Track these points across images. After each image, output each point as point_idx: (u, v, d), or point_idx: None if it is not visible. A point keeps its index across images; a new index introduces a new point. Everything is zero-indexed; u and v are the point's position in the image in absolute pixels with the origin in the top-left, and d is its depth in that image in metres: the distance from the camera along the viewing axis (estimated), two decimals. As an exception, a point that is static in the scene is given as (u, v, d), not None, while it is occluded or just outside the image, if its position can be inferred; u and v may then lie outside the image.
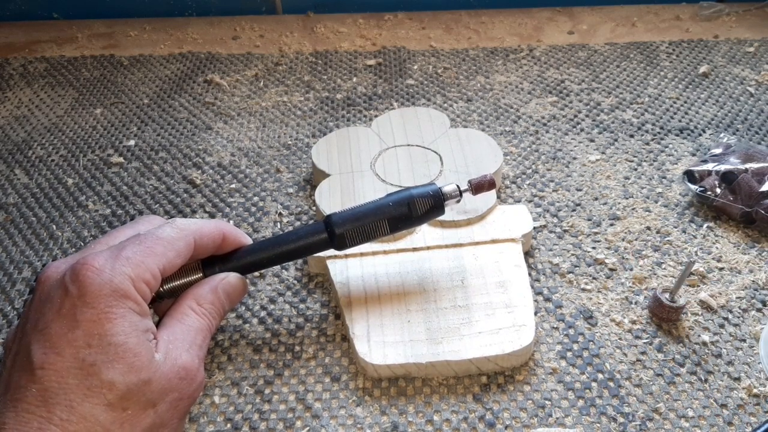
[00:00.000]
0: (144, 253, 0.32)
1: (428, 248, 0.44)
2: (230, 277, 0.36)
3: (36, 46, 0.73)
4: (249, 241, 0.38)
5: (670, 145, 0.56)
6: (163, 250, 0.32)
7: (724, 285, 0.44)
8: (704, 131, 0.58)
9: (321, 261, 0.44)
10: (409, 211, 0.38)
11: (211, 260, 0.37)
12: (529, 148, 0.56)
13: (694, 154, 0.55)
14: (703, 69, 0.65)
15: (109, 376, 0.28)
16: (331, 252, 0.44)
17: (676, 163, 0.54)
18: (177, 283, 0.35)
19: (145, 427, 0.29)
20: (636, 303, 0.43)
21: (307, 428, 0.36)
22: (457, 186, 0.39)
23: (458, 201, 0.39)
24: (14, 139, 0.60)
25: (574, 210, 0.50)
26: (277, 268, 0.46)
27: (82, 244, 0.49)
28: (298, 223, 0.50)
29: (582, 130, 0.58)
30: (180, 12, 0.78)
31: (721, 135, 0.56)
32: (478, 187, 0.40)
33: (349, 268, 0.43)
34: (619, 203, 0.50)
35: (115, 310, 0.29)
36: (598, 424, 0.36)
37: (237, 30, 0.75)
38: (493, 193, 0.47)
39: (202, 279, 0.36)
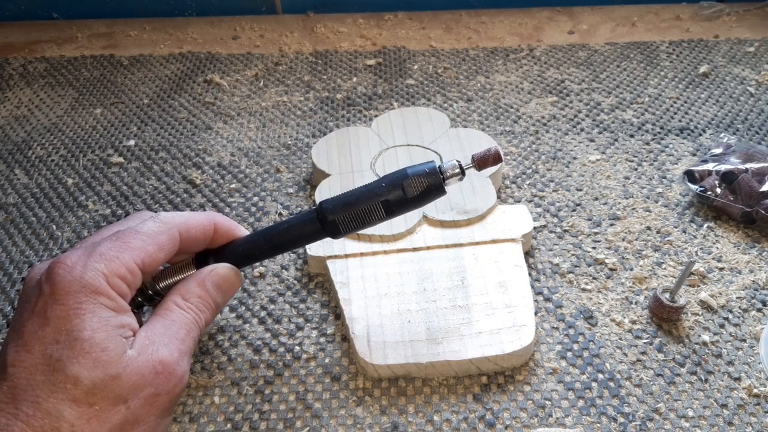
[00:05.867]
0: (119, 249, 0.31)
1: (428, 248, 0.44)
2: (218, 269, 0.35)
3: (36, 46, 0.73)
4: (244, 232, 0.37)
5: (671, 145, 0.56)
6: (142, 244, 0.32)
7: (724, 285, 0.44)
8: (704, 131, 0.58)
9: (321, 261, 0.44)
10: (404, 192, 0.34)
11: (204, 254, 0.36)
12: (529, 148, 0.56)
13: (694, 154, 0.55)
14: (703, 69, 0.65)
15: (74, 371, 0.28)
16: (331, 252, 0.44)
17: (677, 163, 0.54)
18: (171, 280, 0.35)
19: (115, 423, 0.29)
20: (636, 303, 0.43)
21: (308, 428, 0.36)
22: (458, 162, 0.35)
23: (461, 179, 0.35)
24: (14, 139, 0.60)
25: (574, 210, 0.50)
26: (277, 267, 0.46)
27: (82, 244, 0.49)
28: (298, 223, 0.50)
29: (582, 130, 0.58)
30: (180, 12, 0.78)
31: (722, 135, 0.56)
32: (482, 161, 0.35)
33: (349, 268, 0.43)
34: (619, 203, 0.50)
35: (84, 306, 0.29)
36: (599, 424, 0.36)
37: (237, 30, 0.75)
38: (493, 192, 0.47)
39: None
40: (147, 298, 0.35)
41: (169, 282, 0.35)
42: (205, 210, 0.51)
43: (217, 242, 0.36)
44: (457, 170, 0.34)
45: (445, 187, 0.35)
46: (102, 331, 0.29)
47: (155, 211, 0.51)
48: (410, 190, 0.34)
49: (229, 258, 0.36)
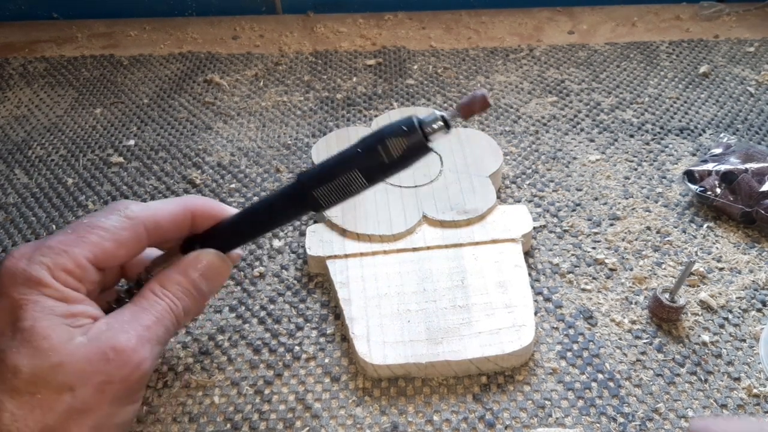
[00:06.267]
0: (70, 242, 0.31)
1: (428, 248, 0.44)
2: (202, 255, 0.34)
3: (36, 46, 0.73)
4: (230, 211, 0.36)
5: (670, 145, 0.56)
6: (98, 239, 0.31)
7: (724, 285, 0.44)
8: (704, 131, 0.57)
9: (321, 261, 0.44)
10: (382, 156, 0.30)
11: (190, 240, 0.35)
12: (529, 148, 0.56)
13: (694, 154, 0.55)
14: (703, 69, 0.65)
15: (13, 360, 0.28)
16: (331, 252, 0.44)
17: (676, 163, 0.54)
18: (160, 269, 0.34)
19: (61, 411, 0.28)
20: (636, 303, 0.43)
21: (307, 428, 0.36)
22: (440, 114, 0.30)
23: (446, 132, 0.31)
24: (14, 139, 0.60)
25: (574, 210, 0.50)
26: (277, 267, 0.46)
27: (82, 244, 0.49)
28: (297, 223, 0.50)
29: (582, 130, 0.58)
30: (180, 12, 0.78)
31: (721, 135, 0.56)
32: (468, 108, 0.30)
33: (349, 268, 0.43)
34: (619, 203, 0.50)
35: (27, 297, 0.29)
36: (598, 424, 0.36)
37: (237, 30, 0.75)
38: (493, 192, 0.47)
39: None
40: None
41: (158, 271, 0.34)
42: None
43: (203, 226, 0.35)
44: (440, 123, 0.30)
45: (430, 145, 0.31)
46: (44, 320, 0.29)
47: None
48: (389, 154, 0.30)
49: (214, 243, 0.35)
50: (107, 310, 0.33)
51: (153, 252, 0.36)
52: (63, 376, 0.28)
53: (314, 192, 0.32)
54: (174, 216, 0.34)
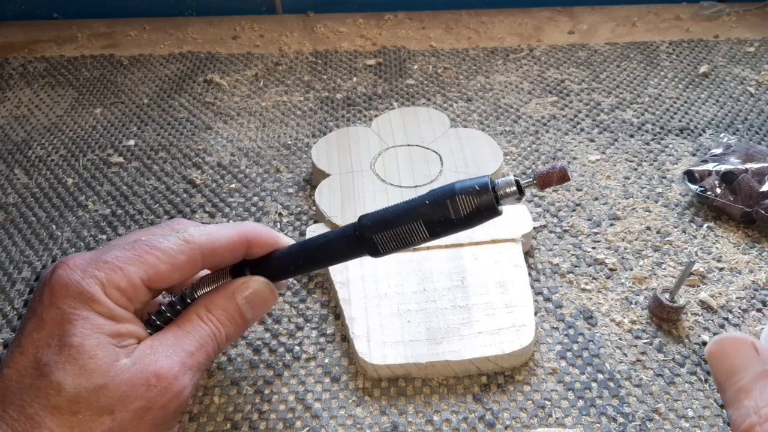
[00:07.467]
0: (127, 260, 0.30)
1: (428, 248, 0.44)
2: (250, 282, 0.34)
3: (36, 46, 0.73)
4: (287, 241, 0.35)
5: (670, 145, 0.56)
6: (155, 260, 0.31)
7: (724, 285, 0.44)
8: (704, 131, 0.57)
9: (321, 261, 0.44)
10: (449, 211, 0.30)
11: (241, 264, 0.35)
12: (529, 148, 0.56)
13: (694, 154, 0.55)
14: (703, 69, 0.65)
15: (58, 377, 0.27)
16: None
17: (676, 163, 0.54)
18: (207, 289, 0.34)
19: None
20: (636, 303, 0.43)
21: (307, 428, 0.36)
22: (515, 179, 0.30)
23: (519, 198, 0.30)
24: (14, 139, 0.60)
25: (574, 210, 0.50)
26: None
27: (82, 244, 0.49)
28: (297, 223, 0.50)
29: (582, 130, 0.58)
30: (180, 12, 0.78)
31: (721, 135, 0.56)
32: (546, 179, 0.30)
33: (349, 268, 0.43)
34: (619, 203, 0.50)
35: (77, 312, 0.29)
36: (598, 425, 0.36)
37: (237, 30, 0.75)
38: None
39: None
40: (186, 306, 0.34)
41: (206, 291, 0.34)
42: (205, 210, 0.51)
43: (257, 253, 0.35)
44: (513, 188, 0.30)
45: (500, 208, 0.30)
46: (92, 338, 0.28)
47: (154, 212, 0.51)
48: (457, 210, 0.30)
49: (264, 271, 0.34)
50: (146, 321, 0.32)
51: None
52: (105, 399, 0.28)
53: (374, 236, 0.31)
54: (231, 244, 0.33)
